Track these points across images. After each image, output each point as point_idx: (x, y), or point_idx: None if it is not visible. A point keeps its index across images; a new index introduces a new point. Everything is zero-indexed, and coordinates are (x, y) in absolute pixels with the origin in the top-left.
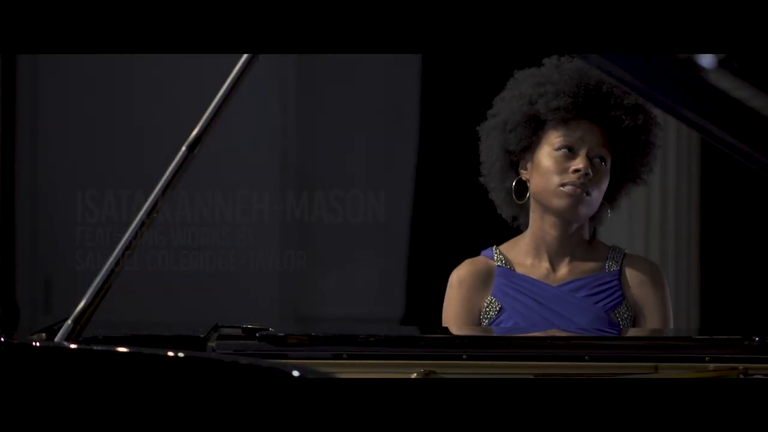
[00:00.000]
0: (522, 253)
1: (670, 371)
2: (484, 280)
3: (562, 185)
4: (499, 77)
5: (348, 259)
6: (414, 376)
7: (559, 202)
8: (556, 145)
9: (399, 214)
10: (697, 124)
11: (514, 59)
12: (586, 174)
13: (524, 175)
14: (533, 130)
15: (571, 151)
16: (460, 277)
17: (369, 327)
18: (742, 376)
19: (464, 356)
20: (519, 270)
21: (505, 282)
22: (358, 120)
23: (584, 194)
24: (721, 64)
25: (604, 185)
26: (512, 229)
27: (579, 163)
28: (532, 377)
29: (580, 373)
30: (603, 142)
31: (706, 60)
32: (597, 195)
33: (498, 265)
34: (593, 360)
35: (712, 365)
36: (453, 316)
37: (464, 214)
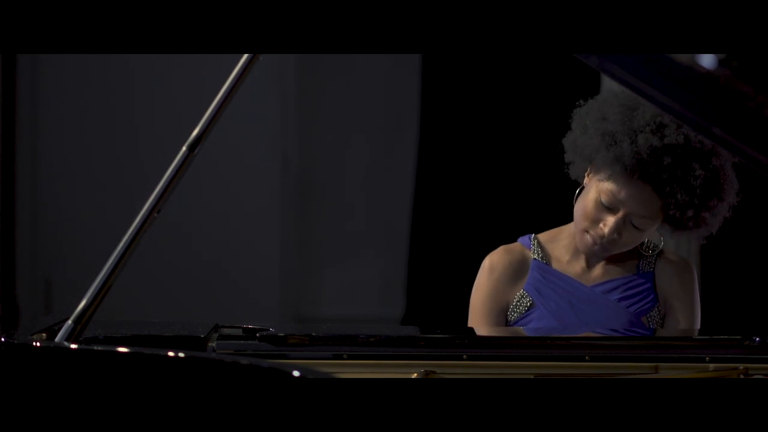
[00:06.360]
0: (561, 248)
1: (670, 371)
2: (517, 270)
3: (587, 231)
4: (499, 77)
5: (348, 259)
6: (414, 376)
7: (579, 242)
8: (601, 196)
9: (399, 214)
10: (697, 124)
11: (514, 59)
12: (612, 239)
13: (583, 182)
14: (589, 161)
15: (610, 209)
16: (493, 264)
17: (369, 327)
18: (742, 376)
19: (464, 356)
20: (555, 265)
21: (540, 278)
22: (358, 120)
23: (603, 251)
24: (721, 64)
25: (638, 241)
26: (514, 228)
27: (607, 225)
28: (532, 377)
29: (580, 373)
30: (651, 213)
31: (706, 60)
32: (621, 248)
33: (534, 258)
34: (593, 360)
35: (712, 365)
36: (479, 302)
37: (464, 213)
